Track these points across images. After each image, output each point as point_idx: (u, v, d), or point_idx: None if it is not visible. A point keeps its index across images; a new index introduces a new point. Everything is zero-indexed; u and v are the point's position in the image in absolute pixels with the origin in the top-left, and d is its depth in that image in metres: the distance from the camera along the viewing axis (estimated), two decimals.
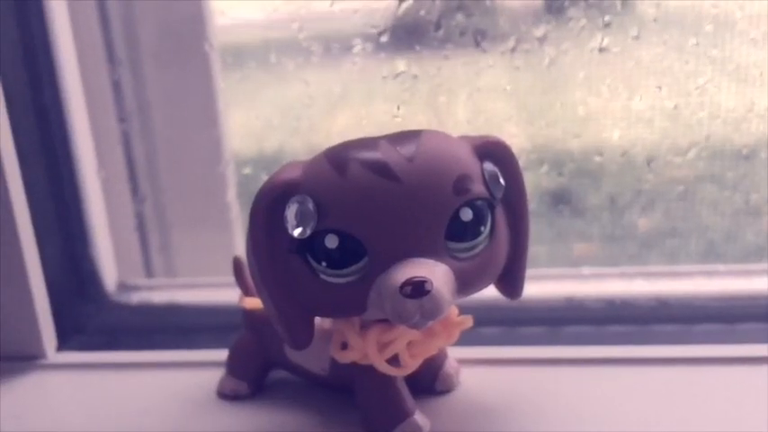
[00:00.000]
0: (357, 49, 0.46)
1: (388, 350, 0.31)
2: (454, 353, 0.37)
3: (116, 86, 0.48)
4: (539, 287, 0.44)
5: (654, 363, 0.37)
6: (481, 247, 0.29)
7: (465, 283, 0.29)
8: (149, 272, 0.53)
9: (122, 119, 0.49)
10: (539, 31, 0.44)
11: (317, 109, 0.49)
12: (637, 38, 0.43)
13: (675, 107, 0.44)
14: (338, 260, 0.28)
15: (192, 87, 0.48)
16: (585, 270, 0.46)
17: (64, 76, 0.45)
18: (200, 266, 0.52)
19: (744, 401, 0.34)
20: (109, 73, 0.48)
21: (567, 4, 0.44)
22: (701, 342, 0.39)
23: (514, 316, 0.44)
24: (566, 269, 0.47)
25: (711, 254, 0.48)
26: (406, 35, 0.45)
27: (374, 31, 0.45)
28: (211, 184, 0.50)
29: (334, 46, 0.47)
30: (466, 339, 0.34)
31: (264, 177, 0.29)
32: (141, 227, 0.52)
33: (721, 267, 0.45)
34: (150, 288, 0.50)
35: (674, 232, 0.48)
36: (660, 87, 0.44)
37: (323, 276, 0.28)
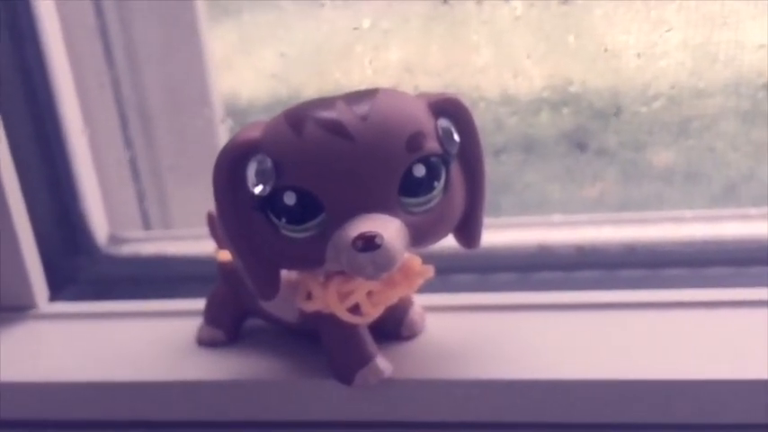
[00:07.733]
0: None
1: (348, 300, 0.32)
2: (424, 300, 0.37)
3: (104, 36, 0.48)
4: (510, 235, 0.45)
5: (621, 307, 0.38)
6: (435, 201, 0.30)
7: (419, 235, 0.30)
8: (146, 224, 0.53)
9: (111, 70, 0.49)
10: None
11: (332, 48, 0.48)
12: None
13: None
14: (297, 216, 0.29)
15: (179, 39, 0.48)
16: (556, 217, 0.47)
17: (45, 28, 0.45)
18: (195, 217, 0.53)
19: (708, 344, 0.34)
20: (96, 23, 0.47)
21: None
22: (667, 287, 0.39)
23: (486, 263, 0.44)
24: (536, 217, 0.47)
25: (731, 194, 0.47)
26: None
27: None
28: (202, 134, 0.50)
29: None
30: (437, 287, 0.34)
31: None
32: (135, 179, 0.52)
33: (688, 213, 0.45)
34: (139, 240, 0.51)
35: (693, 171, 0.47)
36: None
37: (283, 231, 0.29)
